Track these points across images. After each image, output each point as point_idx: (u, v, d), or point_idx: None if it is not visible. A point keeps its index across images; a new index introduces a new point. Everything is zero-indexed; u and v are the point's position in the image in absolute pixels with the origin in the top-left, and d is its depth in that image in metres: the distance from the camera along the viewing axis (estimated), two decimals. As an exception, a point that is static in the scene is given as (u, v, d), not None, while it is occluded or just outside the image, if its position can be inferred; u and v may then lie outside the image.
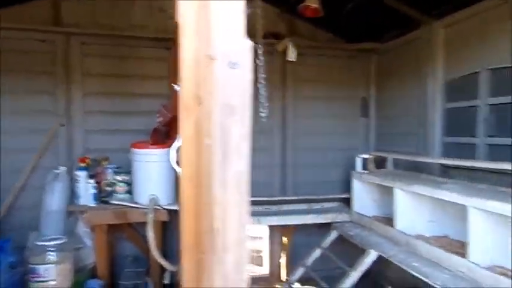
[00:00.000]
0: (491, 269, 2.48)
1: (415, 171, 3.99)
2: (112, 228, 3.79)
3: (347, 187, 4.25)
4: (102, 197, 3.76)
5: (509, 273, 2.46)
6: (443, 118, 3.78)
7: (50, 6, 4.07)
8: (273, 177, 4.85)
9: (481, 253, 2.54)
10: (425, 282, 2.68)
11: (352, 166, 4.20)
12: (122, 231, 4.10)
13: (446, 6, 3.54)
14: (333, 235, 4.03)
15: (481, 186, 3.01)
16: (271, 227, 4.93)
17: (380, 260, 3.22)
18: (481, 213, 2.51)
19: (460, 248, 2.86)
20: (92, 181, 3.68)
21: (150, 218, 3.28)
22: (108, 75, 4.26)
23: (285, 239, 4.89)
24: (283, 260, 4.92)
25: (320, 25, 4.68)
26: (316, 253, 4.01)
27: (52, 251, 3.15)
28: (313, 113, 4.92)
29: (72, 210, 3.71)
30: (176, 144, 1.98)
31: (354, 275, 3.30)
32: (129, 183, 3.81)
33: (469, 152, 3.40)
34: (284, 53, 4.53)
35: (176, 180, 3.41)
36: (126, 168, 3.84)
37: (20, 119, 4.00)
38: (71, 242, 3.43)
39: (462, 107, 3.51)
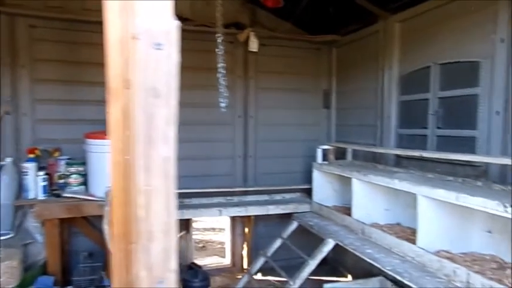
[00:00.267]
0: (437, 253, 2.61)
1: (373, 161, 4.12)
2: (65, 222, 3.62)
3: (309, 178, 4.33)
4: (54, 189, 3.58)
5: (454, 257, 2.62)
6: (398, 110, 3.91)
7: (-8, -16, 3.77)
8: (234, 168, 4.83)
9: (428, 239, 2.67)
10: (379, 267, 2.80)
11: (314, 157, 4.27)
12: (76, 225, 3.94)
13: (402, 2, 3.64)
14: (294, 225, 4.10)
15: (430, 176, 3.16)
16: (233, 218, 4.94)
17: (339, 248, 3.31)
18: (429, 201, 2.63)
19: (411, 234, 2.99)
20: (41, 173, 3.48)
21: (106, 211, 3.16)
22: (60, 61, 4.02)
23: (246, 230, 4.91)
24: (245, 251, 4.95)
25: (283, 16, 4.67)
26: (277, 243, 4.06)
27: (-4, 247, 2.96)
28: (276, 104, 4.94)
29: (21, 204, 3.50)
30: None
31: (312, 264, 3.37)
32: (83, 175, 3.64)
33: (421, 143, 3.55)
34: (246, 43, 4.49)
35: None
36: (79, 160, 3.67)
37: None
38: (19, 237, 3.25)
39: (415, 100, 3.64)
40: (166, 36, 0.61)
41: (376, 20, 4.10)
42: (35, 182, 3.47)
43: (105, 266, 3.74)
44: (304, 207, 4.32)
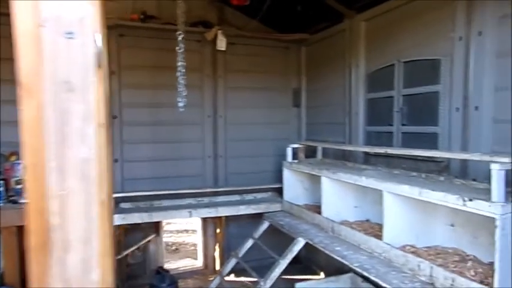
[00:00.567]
0: (403, 248, 2.65)
1: (343, 159, 4.15)
2: (24, 230, 3.43)
3: (280, 177, 4.31)
4: (10, 196, 3.38)
5: (418, 250, 2.66)
6: (366, 108, 3.96)
7: None
8: (204, 168, 4.75)
9: (394, 234, 2.70)
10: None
11: (285, 156, 4.26)
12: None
13: (366, 1, 3.68)
14: (265, 225, 4.06)
15: (396, 172, 3.21)
16: (205, 219, 4.86)
17: (311, 246, 3.31)
18: (394, 197, 2.66)
19: (379, 230, 3.02)
20: (-4, 179, 3.28)
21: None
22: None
23: (218, 231, 4.84)
24: (217, 252, 4.88)
25: (251, 14, 4.63)
26: (249, 243, 4.01)
27: None
28: (245, 103, 4.89)
29: (-27, 212, 3.28)
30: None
31: (283, 263, 3.35)
32: (42, 180, 3.46)
33: (387, 140, 3.61)
34: (214, 42, 4.43)
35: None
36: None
37: None
38: (-28, 248, 3.03)
39: (381, 98, 3.69)
40: (80, 24, 0.55)
41: (342, 19, 4.13)
42: (-11, 188, 3.26)
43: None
44: (276, 207, 4.29)
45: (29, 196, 0.61)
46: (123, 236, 4.24)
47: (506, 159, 2.01)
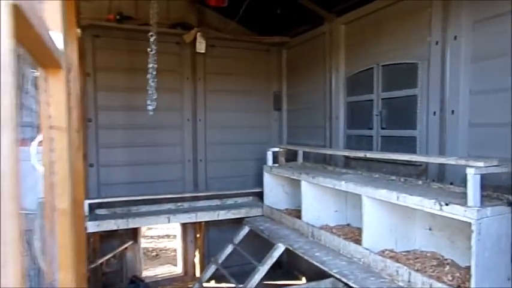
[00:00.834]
0: (381, 253, 2.63)
1: (324, 163, 4.13)
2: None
3: (262, 181, 4.25)
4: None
5: (397, 255, 2.65)
6: (346, 111, 3.95)
7: None
8: (184, 173, 4.66)
9: (373, 239, 2.68)
10: (329, 269, 2.77)
11: (266, 160, 4.21)
12: None
13: (346, 4, 3.67)
14: (245, 230, 4.00)
15: (376, 176, 3.20)
16: (184, 225, 4.76)
17: (292, 252, 3.26)
18: (372, 202, 2.64)
19: (359, 235, 2.99)
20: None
21: (37, 225, 2.88)
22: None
23: (198, 236, 4.75)
24: (197, 258, 4.78)
25: (231, 17, 4.58)
26: (228, 249, 3.94)
27: None
28: (226, 107, 4.83)
29: None
30: (37, 141, 1.73)
31: (263, 270, 3.29)
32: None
33: (367, 143, 3.60)
34: (194, 44, 4.35)
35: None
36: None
37: None
38: None
39: (361, 101, 3.69)
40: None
41: (322, 22, 4.12)
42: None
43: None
44: (256, 211, 4.24)
45: None
46: (99, 244, 4.10)
47: (481, 164, 2.01)
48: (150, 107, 2.92)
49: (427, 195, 2.29)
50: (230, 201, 4.54)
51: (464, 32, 2.60)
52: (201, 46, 4.18)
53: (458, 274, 2.29)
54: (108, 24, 4.03)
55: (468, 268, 2.13)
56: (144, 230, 7.26)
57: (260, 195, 4.44)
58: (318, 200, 3.45)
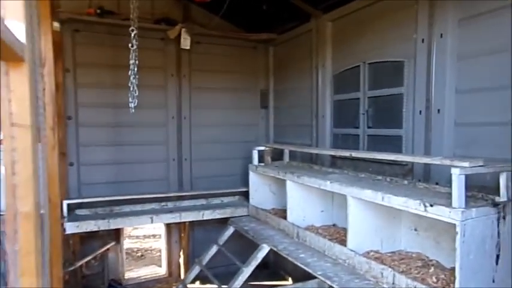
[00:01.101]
0: (366, 254, 2.58)
1: (310, 162, 4.07)
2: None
3: (248, 180, 4.18)
4: None
5: (382, 256, 2.60)
6: (332, 110, 3.89)
7: None
8: (169, 172, 4.55)
9: (358, 240, 2.63)
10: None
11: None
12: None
13: (333, 0, 3.61)
14: (230, 230, 3.92)
15: (362, 175, 3.15)
16: (169, 225, 4.67)
17: (278, 252, 3.20)
18: (357, 202, 2.59)
19: (344, 235, 2.93)
20: None
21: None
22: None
23: (183, 236, 4.66)
24: (182, 259, 4.69)
25: (218, 13, 4.48)
26: (213, 250, 3.86)
27: None
28: (212, 104, 4.74)
29: None
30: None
31: (246, 271, 3.22)
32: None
33: (354, 142, 3.55)
34: (178, 40, 4.24)
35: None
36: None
37: None
38: None
39: (347, 99, 3.63)
40: None
41: (309, 19, 4.06)
42: None
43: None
44: (242, 211, 4.16)
45: None
46: (79, 245, 3.98)
47: (466, 164, 1.97)
48: (131, 105, 2.82)
49: (412, 196, 2.24)
50: (216, 200, 4.47)
51: (450, 30, 2.56)
52: (185, 42, 4.08)
53: (443, 276, 2.26)
54: (88, 18, 3.90)
55: (453, 269, 2.09)
56: (129, 230, 7.14)
57: (247, 195, 4.36)
58: (303, 200, 3.39)
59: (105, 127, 4.19)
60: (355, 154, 2.99)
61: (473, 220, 1.94)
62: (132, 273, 4.87)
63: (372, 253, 2.63)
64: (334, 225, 3.43)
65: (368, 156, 2.99)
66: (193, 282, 3.99)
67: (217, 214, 4.07)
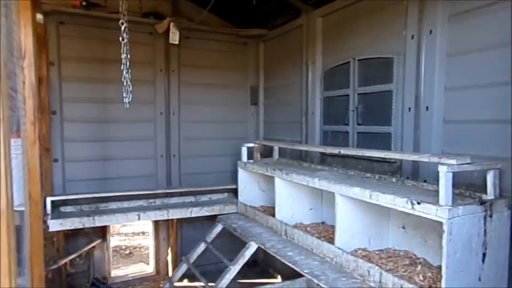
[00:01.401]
0: (353, 253, 2.55)
1: (300, 159, 4.04)
2: None
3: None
4: None
5: (370, 254, 2.58)
6: (322, 106, 3.86)
7: None
8: (157, 168, 4.48)
9: (346, 238, 2.60)
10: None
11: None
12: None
13: (323, -5, 3.58)
14: (218, 228, 3.87)
15: (352, 173, 3.12)
16: (157, 222, 4.61)
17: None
18: (346, 200, 2.56)
19: (333, 233, 2.91)
20: None
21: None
22: None
23: (171, 234, 4.60)
24: (170, 256, 4.64)
25: (210, 9, 4.41)
26: (201, 248, 3.81)
27: None
28: (201, 100, 4.68)
29: None
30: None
31: (234, 269, 3.18)
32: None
33: (344, 139, 3.52)
34: (167, 34, 4.17)
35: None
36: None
37: None
38: None
39: (337, 96, 3.60)
40: None
41: (300, 14, 4.01)
42: None
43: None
44: (231, 208, 4.12)
45: None
46: (63, 243, 3.90)
47: (454, 161, 1.95)
48: (126, 100, 2.75)
49: (400, 194, 2.22)
50: (205, 198, 4.41)
51: (439, 26, 2.53)
52: (174, 37, 4.01)
53: (430, 274, 2.24)
54: (73, 10, 3.80)
55: (440, 267, 2.07)
56: (118, 227, 7.05)
57: (236, 192, 4.32)
58: (292, 198, 3.35)
59: (91, 122, 4.10)
60: (343, 151, 2.96)
61: (460, 218, 1.92)
62: (119, 271, 4.80)
63: (359, 251, 2.61)
64: (323, 223, 3.41)
65: (356, 153, 2.96)
66: (180, 280, 3.95)
67: (205, 211, 4.02)
